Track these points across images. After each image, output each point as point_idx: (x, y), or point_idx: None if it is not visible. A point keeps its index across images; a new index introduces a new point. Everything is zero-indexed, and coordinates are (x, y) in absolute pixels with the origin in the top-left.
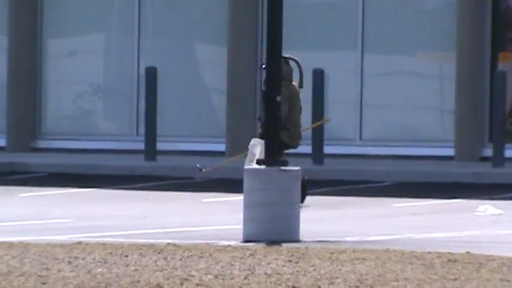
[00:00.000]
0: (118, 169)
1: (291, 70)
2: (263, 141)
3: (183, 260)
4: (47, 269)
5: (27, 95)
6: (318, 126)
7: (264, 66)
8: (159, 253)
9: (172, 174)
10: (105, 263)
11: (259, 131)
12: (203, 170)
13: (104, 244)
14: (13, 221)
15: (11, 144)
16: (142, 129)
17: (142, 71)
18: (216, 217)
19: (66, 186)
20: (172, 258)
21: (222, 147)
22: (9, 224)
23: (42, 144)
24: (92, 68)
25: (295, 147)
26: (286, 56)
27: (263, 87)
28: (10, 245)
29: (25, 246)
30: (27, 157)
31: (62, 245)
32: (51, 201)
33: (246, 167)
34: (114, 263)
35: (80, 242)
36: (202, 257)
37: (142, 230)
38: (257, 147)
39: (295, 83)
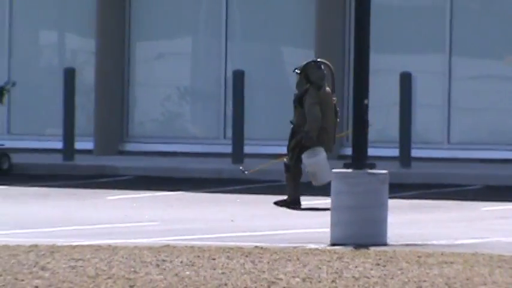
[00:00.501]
0: (205, 172)
1: (322, 75)
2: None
3: (270, 263)
4: (135, 271)
5: (114, 98)
6: (344, 135)
7: (296, 70)
8: (246, 256)
9: (259, 177)
10: (192, 266)
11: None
12: (246, 172)
13: (192, 247)
14: (101, 223)
15: (98, 147)
16: (229, 132)
17: (230, 74)
18: (303, 220)
19: (153, 189)
20: (259, 261)
21: None
22: (98, 226)
23: (130, 147)
24: (179, 71)
25: (331, 152)
26: (318, 60)
27: (295, 92)
28: (98, 248)
29: (113, 249)
30: (115, 160)
31: (150, 248)
32: (138, 204)
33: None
34: (202, 266)
35: (167, 245)
36: (289, 260)
37: (230, 233)
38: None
39: (328, 88)
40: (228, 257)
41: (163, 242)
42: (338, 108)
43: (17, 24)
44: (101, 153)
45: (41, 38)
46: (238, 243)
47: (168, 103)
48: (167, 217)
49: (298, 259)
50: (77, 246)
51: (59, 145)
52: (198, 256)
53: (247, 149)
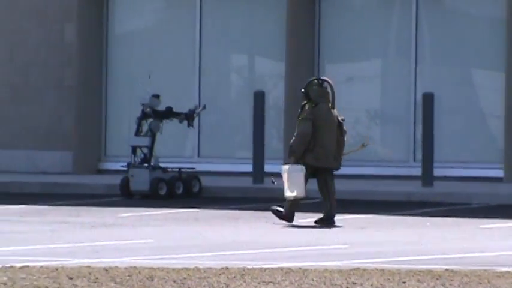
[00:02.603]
0: (395, 195)
1: (321, 93)
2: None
3: (461, 286)
4: None
5: None
6: (358, 150)
7: (303, 90)
8: (437, 279)
9: (449, 200)
10: None
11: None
12: (275, 183)
13: (382, 270)
14: (291, 246)
15: None
16: (419, 155)
17: (419, 97)
18: (495, 243)
19: (343, 212)
20: (450, 284)
21: (499, 173)
22: (287, 249)
23: None
24: (368, 94)
25: (333, 168)
26: (320, 78)
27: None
28: (288, 271)
29: (303, 271)
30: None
31: (340, 271)
32: (329, 228)
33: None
34: None
35: (357, 268)
36: (480, 283)
37: (420, 256)
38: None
39: (330, 106)
40: (418, 280)
41: (354, 265)
42: (345, 127)
43: (207, 48)
44: None
45: (230, 61)
46: (428, 266)
47: (357, 126)
48: (357, 240)
49: (489, 282)
50: (267, 269)
51: (248, 168)
52: (388, 279)
53: (437, 172)
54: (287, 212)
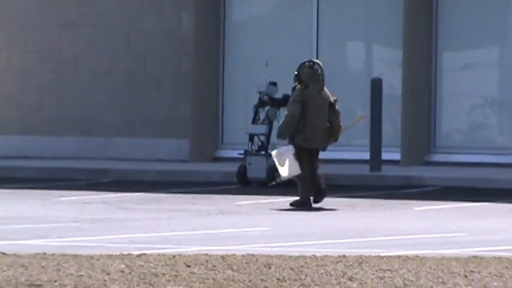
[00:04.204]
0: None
1: (312, 75)
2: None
3: None
4: (443, 282)
5: (421, 109)
6: (354, 125)
7: (296, 73)
8: None
9: None
10: (501, 277)
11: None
12: (273, 182)
13: (499, 258)
14: (408, 234)
15: (405, 157)
16: None
17: None
18: None
19: (459, 200)
20: None
21: None
22: (405, 237)
23: (437, 157)
24: (486, 81)
25: (319, 149)
26: (312, 60)
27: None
28: (406, 259)
29: (420, 259)
30: (422, 171)
31: (457, 259)
32: (445, 215)
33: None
34: (510, 277)
35: (475, 256)
36: None
37: None
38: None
39: (323, 88)
40: None
41: (471, 252)
42: (337, 107)
43: (324, 35)
44: (408, 164)
45: (347, 48)
46: None
47: (474, 114)
48: (474, 228)
49: None
50: (384, 257)
51: (365, 156)
52: (507, 267)
53: None
54: (303, 197)
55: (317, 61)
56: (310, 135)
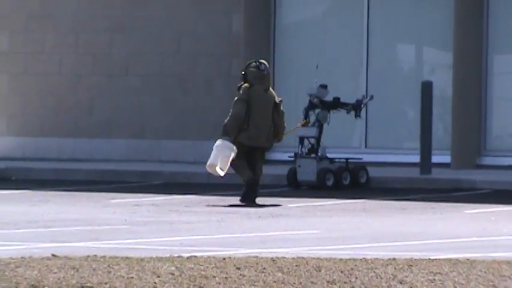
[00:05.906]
0: None
1: (258, 75)
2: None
3: None
4: (493, 286)
5: (471, 111)
6: (295, 130)
7: (242, 72)
8: None
9: None
10: None
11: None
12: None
13: None
14: (459, 237)
15: (455, 160)
16: None
17: None
18: None
19: (510, 203)
20: None
21: None
22: (455, 240)
23: (487, 161)
24: None
25: (263, 148)
26: (259, 60)
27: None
28: (456, 262)
29: (471, 263)
30: (472, 174)
31: (508, 262)
32: (496, 218)
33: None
34: None
35: None
36: None
37: None
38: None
39: (268, 88)
40: None
41: None
42: (282, 108)
43: (374, 38)
44: (458, 167)
45: (397, 51)
46: None
47: None
48: None
49: None
50: (434, 260)
51: (415, 159)
52: None
53: None
54: (244, 179)
55: (263, 61)
56: (254, 133)
